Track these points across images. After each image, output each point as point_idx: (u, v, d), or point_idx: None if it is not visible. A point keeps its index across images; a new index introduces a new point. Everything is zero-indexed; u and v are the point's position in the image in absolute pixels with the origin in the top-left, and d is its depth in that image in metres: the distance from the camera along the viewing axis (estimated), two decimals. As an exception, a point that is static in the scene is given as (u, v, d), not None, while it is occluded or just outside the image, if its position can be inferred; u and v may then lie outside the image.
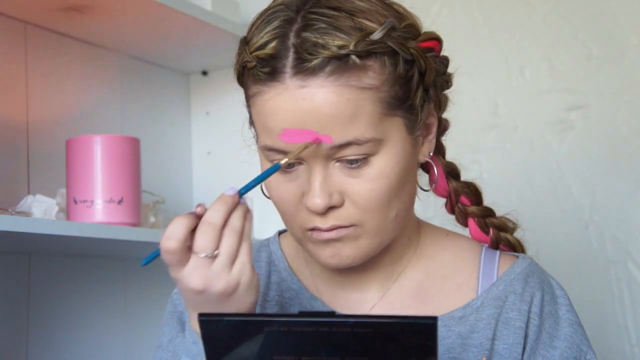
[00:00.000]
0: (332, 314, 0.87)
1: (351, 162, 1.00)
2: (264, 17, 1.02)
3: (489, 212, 1.17)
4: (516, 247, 1.17)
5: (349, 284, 1.12)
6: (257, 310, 1.13)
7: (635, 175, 1.79)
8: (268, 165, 1.02)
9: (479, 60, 1.93)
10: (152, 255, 0.97)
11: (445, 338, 1.08)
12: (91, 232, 1.51)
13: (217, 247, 0.94)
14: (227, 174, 2.08)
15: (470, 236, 1.18)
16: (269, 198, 1.07)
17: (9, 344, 1.65)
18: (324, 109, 0.98)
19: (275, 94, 0.99)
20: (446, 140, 1.17)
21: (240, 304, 0.96)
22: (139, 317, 1.92)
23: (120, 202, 1.59)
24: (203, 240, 0.93)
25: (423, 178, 1.15)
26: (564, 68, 1.86)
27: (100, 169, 1.58)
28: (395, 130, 1.02)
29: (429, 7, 1.97)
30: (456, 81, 1.13)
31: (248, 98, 1.05)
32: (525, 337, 1.08)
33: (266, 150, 1.02)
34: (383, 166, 1.01)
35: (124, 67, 1.97)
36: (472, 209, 1.17)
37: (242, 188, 0.97)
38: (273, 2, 1.04)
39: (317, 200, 1.00)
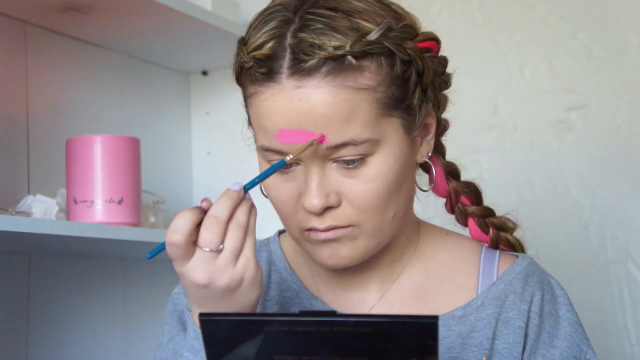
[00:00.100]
0: (332, 313, 0.87)
1: (348, 162, 1.00)
2: (262, 18, 1.02)
3: (489, 212, 1.17)
4: (516, 247, 1.17)
5: (348, 283, 1.12)
6: (258, 310, 1.13)
7: (635, 175, 1.79)
8: (266, 166, 1.02)
9: (479, 60, 1.93)
10: (157, 248, 0.97)
11: (445, 337, 1.08)
12: (91, 232, 1.51)
13: (222, 242, 0.94)
14: (227, 174, 2.08)
15: (470, 236, 1.18)
16: (267, 198, 1.07)
17: (9, 344, 1.65)
18: (320, 110, 0.98)
19: (271, 94, 0.99)
20: (446, 140, 1.17)
21: (244, 299, 0.96)
22: (139, 317, 1.92)
23: (120, 202, 1.59)
24: (208, 234, 0.93)
25: (423, 178, 1.15)
26: (564, 68, 1.86)
27: (100, 169, 1.58)
28: (393, 131, 1.02)
29: (429, 7, 1.97)
30: (456, 81, 1.13)
31: (246, 98, 1.05)
32: (525, 336, 1.08)
33: (263, 150, 1.02)
34: (380, 166, 1.01)
35: (124, 67, 1.97)
36: (472, 208, 1.17)
37: (248, 183, 0.97)
38: (271, 2, 1.04)
39: (314, 200, 1.00)
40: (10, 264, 1.67)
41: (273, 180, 1.03)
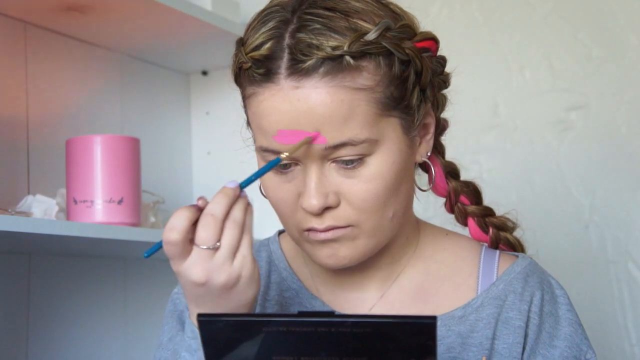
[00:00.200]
0: (331, 313, 0.87)
1: (347, 162, 1.00)
2: (260, 18, 1.02)
3: (489, 212, 1.17)
4: (516, 247, 1.17)
5: (348, 283, 1.12)
6: (257, 310, 1.13)
7: (635, 175, 1.79)
8: (266, 167, 1.03)
9: (479, 60, 1.93)
10: (154, 247, 0.97)
11: (445, 337, 1.08)
12: (91, 232, 1.51)
13: (218, 240, 0.94)
14: (227, 174, 2.07)
15: (470, 236, 1.17)
16: (267, 198, 1.07)
17: (9, 344, 1.65)
18: (318, 110, 0.98)
19: (269, 95, 0.99)
20: (446, 140, 1.17)
21: (241, 297, 0.96)
22: (139, 317, 1.92)
23: (120, 202, 1.59)
24: (205, 232, 0.93)
25: (423, 178, 1.15)
26: (564, 68, 1.86)
27: (100, 169, 1.58)
28: (391, 131, 1.02)
29: (429, 7, 1.97)
30: (456, 81, 1.13)
31: (244, 99, 1.05)
32: (525, 336, 1.08)
33: (262, 151, 1.02)
34: (379, 166, 1.01)
35: (124, 67, 1.97)
36: (472, 208, 1.17)
37: (244, 181, 0.97)
38: (269, 3, 1.04)
39: (313, 201, 1.00)
40: (10, 264, 1.67)
41: (272, 180, 1.03)
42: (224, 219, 0.94)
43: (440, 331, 1.07)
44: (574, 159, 1.84)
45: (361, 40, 0.98)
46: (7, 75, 1.69)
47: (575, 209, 1.83)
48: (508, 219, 1.17)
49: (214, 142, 2.13)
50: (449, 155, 1.18)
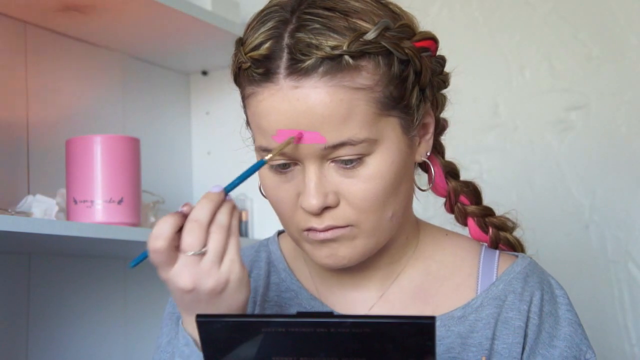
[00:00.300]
0: (330, 314, 0.86)
1: (346, 162, 1.00)
2: (259, 18, 1.02)
3: (489, 212, 1.17)
4: (516, 247, 1.17)
5: (348, 284, 1.12)
6: (257, 311, 1.13)
7: (635, 175, 1.79)
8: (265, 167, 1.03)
9: (479, 60, 1.93)
10: (140, 256, 0.96)
11: (444, 338, 1.08)
12: (91, 232, 1.51)
13: (204, 245, 0.93)
14: (227, 174, 2.07)
15: (469, 236, 1.17)
16: (266, 198, 1.07)
17: (9, 344, 1.65)
18: (318, 110, 0.97)
19: (269, 94, 0.99)
20: (446, 140, 1.17)
21: (231, 302, 0.95)
22: (139, 317, 1.92)
23: (120, 202, 1.59)
24: (190, 238, 0.93)
25: (423, 178, 1.15)
26: (564, 68, 1.86)
27: (100, 169, 1.58)
28: (391, 131, 1.02)
29: (429, 7, 1.97)
30: (456, 81, 1.13)
31: (243, 99, 1.05)
32: (525, 336, 1.08)
33: (262, 151, 1.02)
34: (378, 166, 1.01)
35: (124, 67, 1.97)
36: (472, 208, 1.16)
37: (228, 185, 0.97)
38: (269, 2, 1.04)
39: (312, 200, 1.00)
40: (10, 264, 1.67)
41: (272, 180, 1.03)
42: (209, 224, 0.94)
43: (440, 331, 1.07)
44: (574, 159, 1.84)
45: (360, 40, 0.98)
46: (7, 75, 1.69)
47: (575, 209, 1.83)
48: (508, 219, 1.17)
49: (214, 142, 2.13)
50: (449, 155, 1.17)
